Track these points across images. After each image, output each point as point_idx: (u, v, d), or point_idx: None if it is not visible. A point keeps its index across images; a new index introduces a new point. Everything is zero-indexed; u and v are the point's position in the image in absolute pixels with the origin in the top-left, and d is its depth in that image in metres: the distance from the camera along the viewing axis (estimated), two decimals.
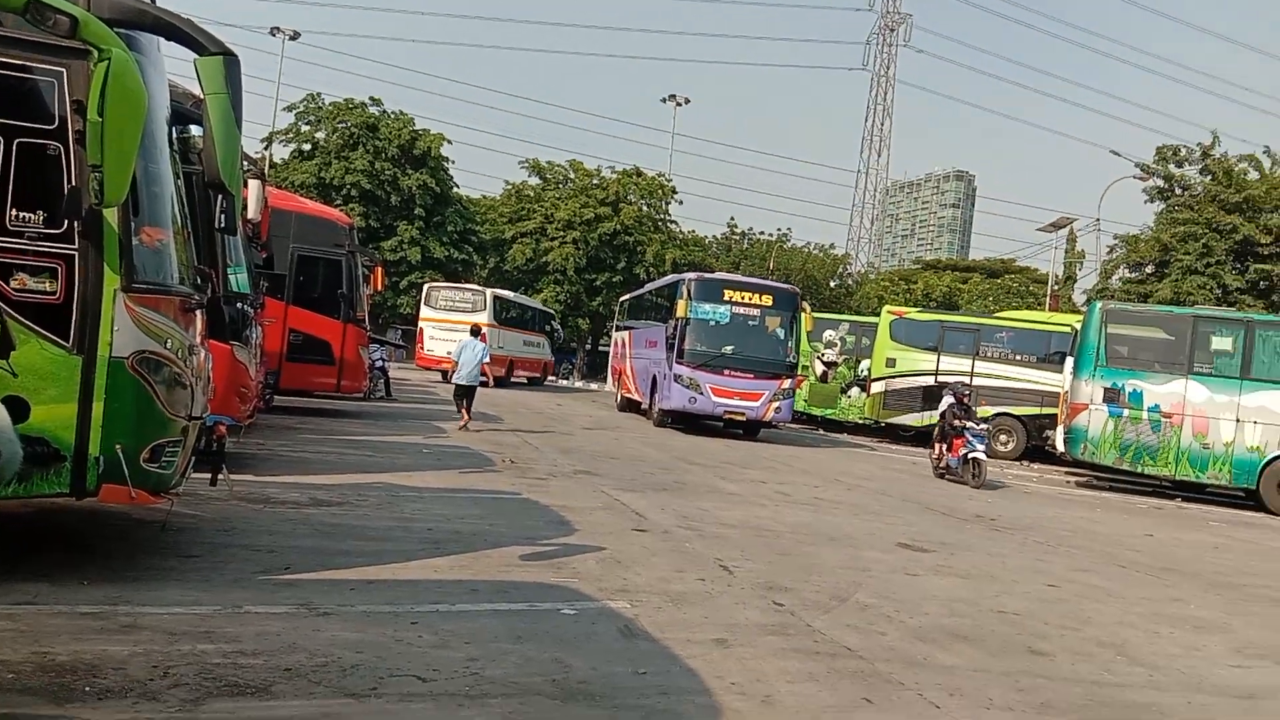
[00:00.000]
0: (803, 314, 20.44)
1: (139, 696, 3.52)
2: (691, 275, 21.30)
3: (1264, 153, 35.12)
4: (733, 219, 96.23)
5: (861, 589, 6.73)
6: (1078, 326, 19.19)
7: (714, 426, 20.69)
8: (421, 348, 32.73)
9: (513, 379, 34.65)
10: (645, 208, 50.27)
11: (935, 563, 8.18)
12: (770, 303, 20.23)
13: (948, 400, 15.93)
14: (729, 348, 19.74)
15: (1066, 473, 20.18)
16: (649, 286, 27.85)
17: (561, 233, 47.29)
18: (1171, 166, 36.64)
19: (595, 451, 14.39)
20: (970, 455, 15.24)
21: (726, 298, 20.07)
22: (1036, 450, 22.42)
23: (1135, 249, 36.90)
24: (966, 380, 18.41)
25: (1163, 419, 16.59)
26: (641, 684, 4.26)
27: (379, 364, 20.88)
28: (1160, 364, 16.87)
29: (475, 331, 17.23)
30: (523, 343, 35.62)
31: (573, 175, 51.03)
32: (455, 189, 48.23)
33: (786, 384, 19.95)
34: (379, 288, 17.31)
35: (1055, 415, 19.30)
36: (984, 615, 6.36)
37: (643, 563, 6.79)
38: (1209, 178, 35.48)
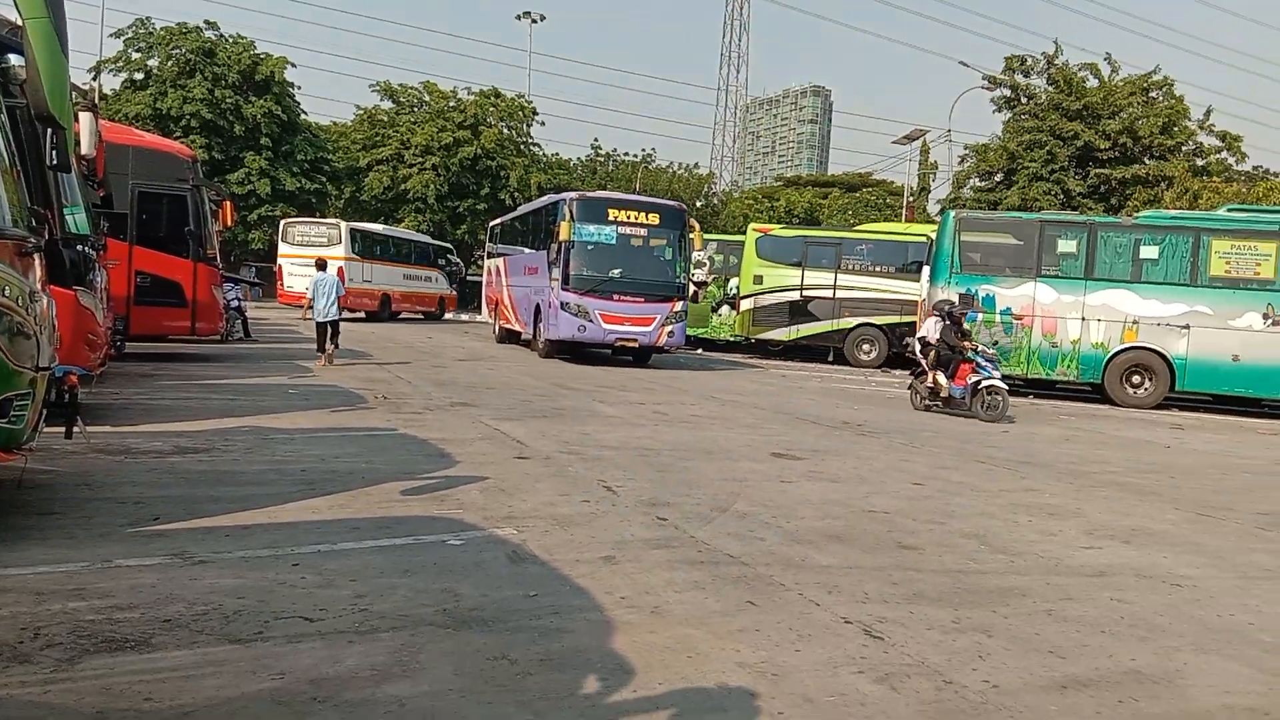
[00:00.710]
0: (691, 232, 19.56)
1: (9, 660, 3.37)
2: (573, 195, 19.93)
3: (1105, 60, 36.71)
4: (596, 140, 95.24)
5: (740, 499, 6.94)
6: (933, 236, 19.85)
7: (600, 354, 20.47)
8: (282, 284, 31.86)
9: (396, 314, 34.00)
10: (506, 130, 49.25)
11: (807, 469, 8.48)
12: (657, 221, 19.19)
13: (937, 323, 14.07)
14: (617, 271, 18.76)
15: None
16: (523, 209, 26.42)
17: (420, 159, 45.97)
18: (1018, 76, 37.99)
19: (471, 383, 14.26)
20: (985, 383, 13.46)
21: (611, 218, 18.91)
22: (897, 357, 23.32)
23: (985, 158, 38.34)
24: (954, 300, 16.33)
25: (1014, 321, 17.48)
26: (533, 606, 4.30)
27: (234, 304, 20.15)
28: (1011, 268, 17.69)
29: (321, 266, 16.86)
30: (402, 276, 34.78)
31: (428, 98, 49.48)
32: (303, 116, 46.16)
33: (679, 306, 19.15)
34: (228, 223, 16.52)
35: (914, 323, 20.05)
36: (855, 516, 6.64)
37: (527, 489, 6.81)
38: (1053, 86, 36.93)
